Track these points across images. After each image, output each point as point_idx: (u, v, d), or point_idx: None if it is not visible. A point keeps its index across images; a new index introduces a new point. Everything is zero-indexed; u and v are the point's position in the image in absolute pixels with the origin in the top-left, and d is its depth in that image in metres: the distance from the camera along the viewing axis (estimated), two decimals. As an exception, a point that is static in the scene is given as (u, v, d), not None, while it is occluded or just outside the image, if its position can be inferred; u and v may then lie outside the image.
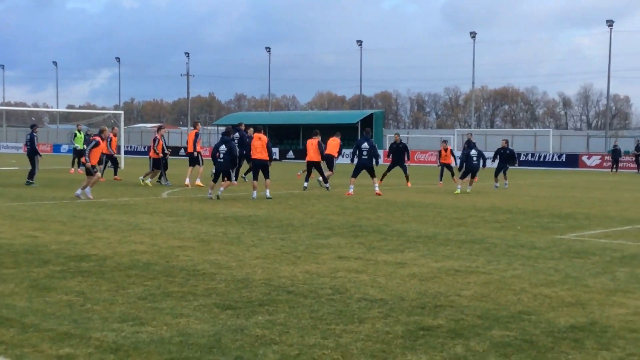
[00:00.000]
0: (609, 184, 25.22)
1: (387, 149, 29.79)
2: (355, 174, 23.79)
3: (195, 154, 26.85)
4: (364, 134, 25.11)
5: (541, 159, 55.22)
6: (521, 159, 55.73)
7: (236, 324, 7.05)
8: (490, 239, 13.36)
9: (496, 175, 28.66)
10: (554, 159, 54.85)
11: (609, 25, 65.49)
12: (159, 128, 28.79)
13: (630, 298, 8.45)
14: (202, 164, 27.16)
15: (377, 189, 23.56)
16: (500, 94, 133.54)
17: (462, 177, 25.46)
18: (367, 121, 71.59)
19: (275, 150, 59.40)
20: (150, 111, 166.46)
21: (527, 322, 7.28)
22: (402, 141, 29.44)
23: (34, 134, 27.30)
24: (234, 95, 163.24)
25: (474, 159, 25.57)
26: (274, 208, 18.72)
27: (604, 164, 51.23)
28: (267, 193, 21.38)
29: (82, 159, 24.10)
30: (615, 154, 47.99)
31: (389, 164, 28.98)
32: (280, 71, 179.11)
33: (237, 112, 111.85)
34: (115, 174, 30.51)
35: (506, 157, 28.76)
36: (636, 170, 46.00)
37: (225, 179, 21.51)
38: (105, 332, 6.64)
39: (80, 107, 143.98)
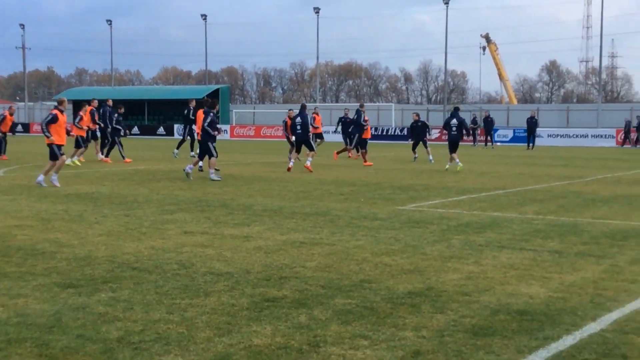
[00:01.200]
0: (446, 156, 26.37)
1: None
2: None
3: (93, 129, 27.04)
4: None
5: (384, 133, 56.77)
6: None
7: (78, 302, 6.91)
8: (334, 211, 13.66)
9: (414, 149, 30.25)
10: (396, 133, 56.52)
11: (445, 3, 67.87)
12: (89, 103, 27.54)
13: (463, 264, 8.90)
14: (97, 139, 27.63)
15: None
16: (345, 69, 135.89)
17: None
18: (213, 96, 70.99)
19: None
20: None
21: (368, 289, 7.54)
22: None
23: None
24: (75, 69, 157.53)
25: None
26: (118, 185, 18.33)
27: (443, 137, 53.27)
28: (212, 174, 20.13)
29: None
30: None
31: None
32: (124, 45, 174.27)
33: (78, 87, 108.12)
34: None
35: (419, 130, 30.03)
36: (472, 143, 48.10)
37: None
38: (-63, 316, 6.34)
39: None
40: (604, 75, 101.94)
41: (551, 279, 8.11)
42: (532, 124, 44.63)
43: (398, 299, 7.14)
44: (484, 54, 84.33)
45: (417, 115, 31.02)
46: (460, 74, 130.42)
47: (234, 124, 67.38)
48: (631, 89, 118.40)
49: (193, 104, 28.62)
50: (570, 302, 7.09)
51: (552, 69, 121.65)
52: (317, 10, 75.04)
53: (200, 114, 21.36)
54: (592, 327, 6.25)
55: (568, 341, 5.86)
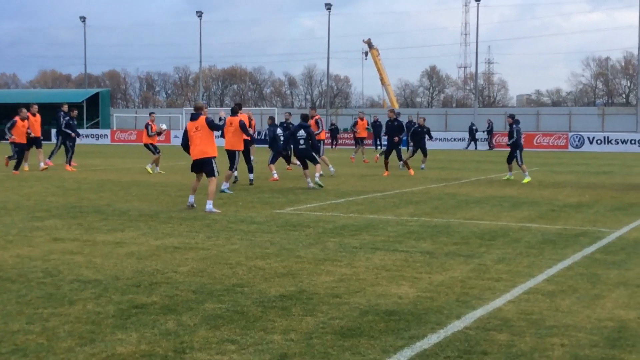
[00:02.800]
0: (330, 160, 26.74)
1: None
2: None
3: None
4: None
5: (266, 137, 56.77)
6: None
7: None
8: (211, 215, 13.53)
9: (412, 155, 27.68)
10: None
11: (327, 9, 68.58)
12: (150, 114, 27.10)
13: (337, 266, 8.96)
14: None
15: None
16: (229, 74, 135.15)
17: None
18: (93, 100, 69.35)
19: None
20: None
21: (239, 293, 7.48)
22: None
23: None
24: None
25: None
26: (-14, 191, 17.59)
27: (326, 141, 53.87)
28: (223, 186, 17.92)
29: None
30: (334, 132, 51.44)
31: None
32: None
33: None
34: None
35: (421, 136, 27.82)
36: (372, 147, 48.66)
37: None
38: None
39: None
40: (481, 81, 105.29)
41: (421, 279, 8.27)
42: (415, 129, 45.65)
43: (269, 303, 7.12)
44: (366, 59, 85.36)
45: (423, 120, 28.64)
46: (344, 78, 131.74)
47: (114, 129, 65.91)
48: (507, 94, 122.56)
49: (65, 108, 27.50)
50: (437, 301, 7.25)
51: (433, 75, 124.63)
52: (199, 14, 74.39)
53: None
54: (457, 325, 6.40)
55: (433, 339, 5.98)
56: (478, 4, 65.17)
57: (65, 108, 27.16)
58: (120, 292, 7.50)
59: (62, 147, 26.84)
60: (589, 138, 49.97)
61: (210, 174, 14.28)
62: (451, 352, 5.66)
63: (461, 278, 8.31)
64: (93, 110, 71.23)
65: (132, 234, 11.26)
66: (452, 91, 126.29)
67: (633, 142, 49.09)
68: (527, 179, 21.42)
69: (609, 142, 49.47)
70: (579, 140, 49.94)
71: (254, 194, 17.54)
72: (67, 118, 26.53)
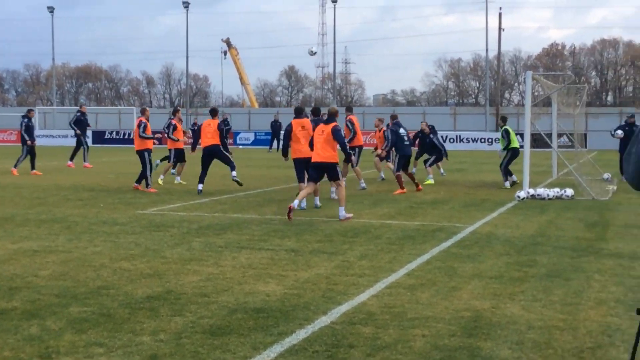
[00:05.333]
0: (193, 160, 26.73)
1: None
2: None
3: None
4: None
5: (126, 137, 55.63)
6: (105, 136, 55.76)
7: None
8: (71, 217, 13.20)
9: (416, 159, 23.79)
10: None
11: (185, 7, 67.91)
12: (175, 111, 21.73)
13: (203, 265, 8.98)
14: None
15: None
16: (84, 72, 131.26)
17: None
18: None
19: None
20: None
21: (105, 296, 7.37)
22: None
23: None
24: None
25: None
26: None
27: (188, 140, 53.34)
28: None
29: None
30: (197, 132, 50.84)
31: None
32: None
33: None
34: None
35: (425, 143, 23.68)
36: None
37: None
38: None
39: None
40: (338, 81, 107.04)
41: (287, 276, 8.41)
42: (277, 127, 45.86)
43: (136, 304, 7.06)
44: (225, 58, 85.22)
45: (426, 124, 24.58)
46: (203, 77, 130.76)
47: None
48: (364, 94, 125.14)
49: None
50: (304, 297, 7.40)
51: (291, 74, 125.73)
52: (51, 9, 71.80)
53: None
54: (324, 320, 6.57)
55: (301, 335, 6.12)
56: (335, 5, 66.24)
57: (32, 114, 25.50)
58: (-22, 298, 7.24)
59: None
60: (442, 137, 51.67)
61: (336, 177, 13.84)
62: (319, 347, 5.81)
63: (326, 275, 8.51)
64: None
65: (-13, 238, 10.84)
66: (310, 90, 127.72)
67: (482, 140, 51.38)
68: (429, 181, 20.73)
69: (461, 140, 51.55)
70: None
71: (115, 195, 17.21)
72: (26, 120, 24.57)
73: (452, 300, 7.34)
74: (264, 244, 10.52)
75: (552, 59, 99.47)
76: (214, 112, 18.49)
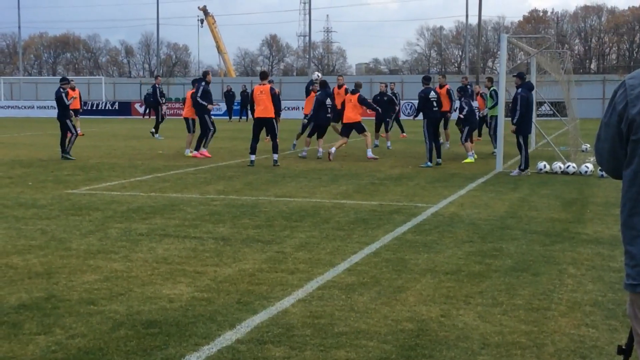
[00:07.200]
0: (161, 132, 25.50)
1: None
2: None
3: None
4: None
5: (95, 107, 53.90)
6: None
7: None
8: (-11, 198, 11.77)
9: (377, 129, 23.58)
10: (106, 107, 53.95)
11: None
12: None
13: (110, 260, 7.60)
14: None
15: None
16: (62, 41, 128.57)
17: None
18: None
19: None
20: None
21: (-32, 305, 5.99)
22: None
23: None
24: None
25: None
26: None
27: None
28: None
29: None
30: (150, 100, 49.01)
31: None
32: None
33: None
34: None
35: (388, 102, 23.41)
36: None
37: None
38: None
39: None
40: (320, 50, 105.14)
41: (204, 273, 7.05)
42: (245, 97, 44.36)
43: (6, 316, 5.69)
44: (202, 26, 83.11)
45: (385, 85, 24.35)
46: (183, 47, 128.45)
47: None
48: (345, 63, 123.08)
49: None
50: (214, 304, 6.05)
51: (273, 43, 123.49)
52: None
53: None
54: (227, 338, 5.24)
55: (190, 362, 4.78)
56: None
57: None
58: None
59: None
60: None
61: (362, 130, 18.74)
62: (206, 381, 4.47)
63: (251, 271, 7.15)
64: None
65: None
66: (292, 60, 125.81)
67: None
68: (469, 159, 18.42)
69: (441, 109, 50.16)
70: (411, 109, 50.25)
71: (51, 171, 15.73)
72: None
73: (395, 306, 6.02)
74: (192, 231, 9.14)
75: (534, 26, 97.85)
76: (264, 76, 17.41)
